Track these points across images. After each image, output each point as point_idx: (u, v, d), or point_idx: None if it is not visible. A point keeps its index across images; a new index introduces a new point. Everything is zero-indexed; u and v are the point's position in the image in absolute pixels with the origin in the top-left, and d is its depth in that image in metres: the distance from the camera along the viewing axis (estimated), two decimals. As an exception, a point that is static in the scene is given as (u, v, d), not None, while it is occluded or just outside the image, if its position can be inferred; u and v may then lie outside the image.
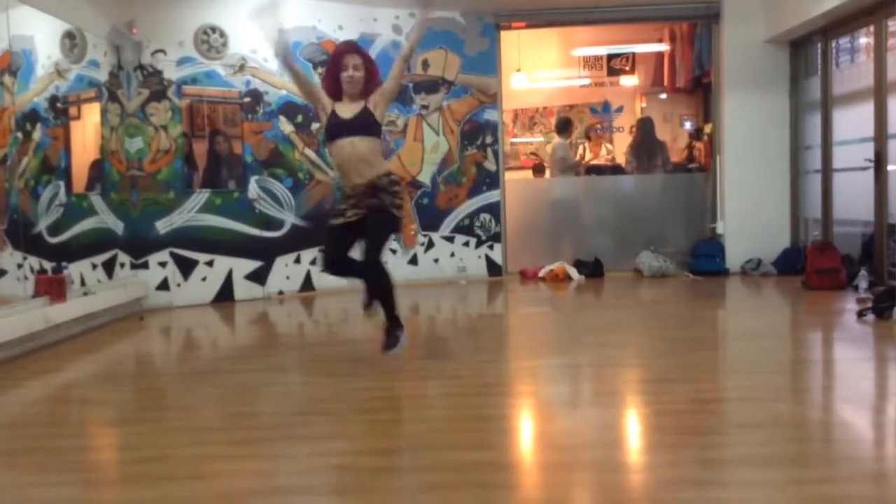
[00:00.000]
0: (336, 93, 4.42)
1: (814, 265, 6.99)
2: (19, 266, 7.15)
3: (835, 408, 3.79)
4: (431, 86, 8.31)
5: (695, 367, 4.47)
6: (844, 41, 7.70)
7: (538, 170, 10.43)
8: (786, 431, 3.30)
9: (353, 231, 4.37)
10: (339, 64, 4.36)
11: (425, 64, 8.26)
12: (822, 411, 3.72)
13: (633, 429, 3.54)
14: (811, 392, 4.13)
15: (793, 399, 3.87)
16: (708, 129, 9.15)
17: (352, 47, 4.47)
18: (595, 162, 10.10)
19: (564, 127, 9.66)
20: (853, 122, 7.26)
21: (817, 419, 3.56)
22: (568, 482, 2.86)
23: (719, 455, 3.05)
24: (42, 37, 7.18)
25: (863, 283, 6.49)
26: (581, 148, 10.60)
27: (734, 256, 8.32)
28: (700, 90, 10.20)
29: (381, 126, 4.43)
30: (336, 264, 4.47)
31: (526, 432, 3.59)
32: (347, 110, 4.36)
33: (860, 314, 5.57)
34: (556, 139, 9.58)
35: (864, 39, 7.42)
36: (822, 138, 7.73)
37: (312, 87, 4.66)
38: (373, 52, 7.93)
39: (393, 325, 4.43)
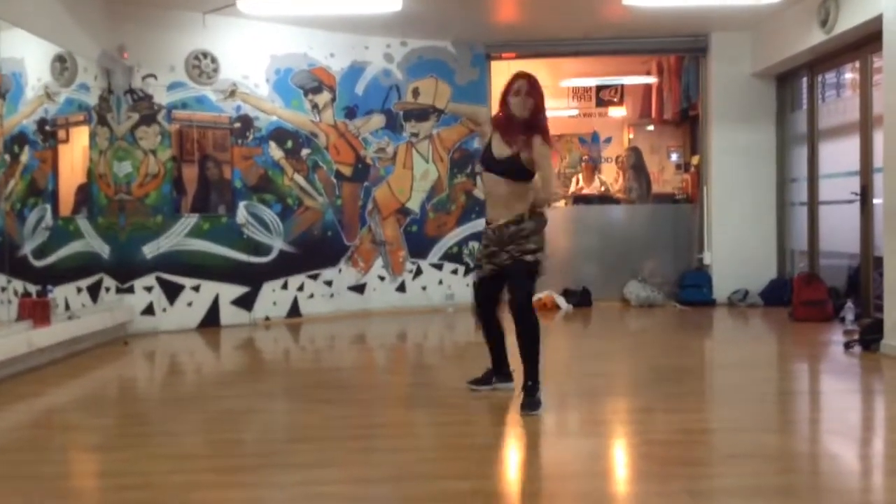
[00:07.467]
0: (501, 122, 4.37)
1: (800, 297, 7.03)
2: (3, 289, 7.08)
3: (822, 440, 3.79)
4: (421, 114, 8.34)
5: (683, 397, 4.46)
6: (830, 76, 7.80)
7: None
8: (774, 463, 3.29)
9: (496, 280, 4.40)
10: (509, 88, 4.37)
11: (416, 92, 8.30)
12: (810, 443, 3.73)
13: (621, 459, 3.53)
14: (799, 424, 4.14)
15: (780, 430, 3.87)
16: (695, 160, 9.21)
17: (523, 74, 4.46)
18: (586, 191, 10.09)
19: None
20: (839, 156, 7.32)
21: (805, 451, 3.56)
22: (556, 513, 2.84)
23: (708, 486, 3.04)
24: (32, 59, 7.14)
25: (849, 315, 6.52)
26: (574, 178, 10.59)
27: (721, 287, 8.34)
28: (687, 122, 10.28)
29: (530, 173, 4.32)
30: (484, 308, 4.52)
31: (514, 462, 3.56)
32: (498, 148, 4.31)
33: (847, 346, 5.60)
34: None
35: (850, 75, 7.52)
36: (809, 171, 7.81)
37: (478, 113, 4.93)
38: (364, 81, 8.03)
39: (535, 385, 4.16)
